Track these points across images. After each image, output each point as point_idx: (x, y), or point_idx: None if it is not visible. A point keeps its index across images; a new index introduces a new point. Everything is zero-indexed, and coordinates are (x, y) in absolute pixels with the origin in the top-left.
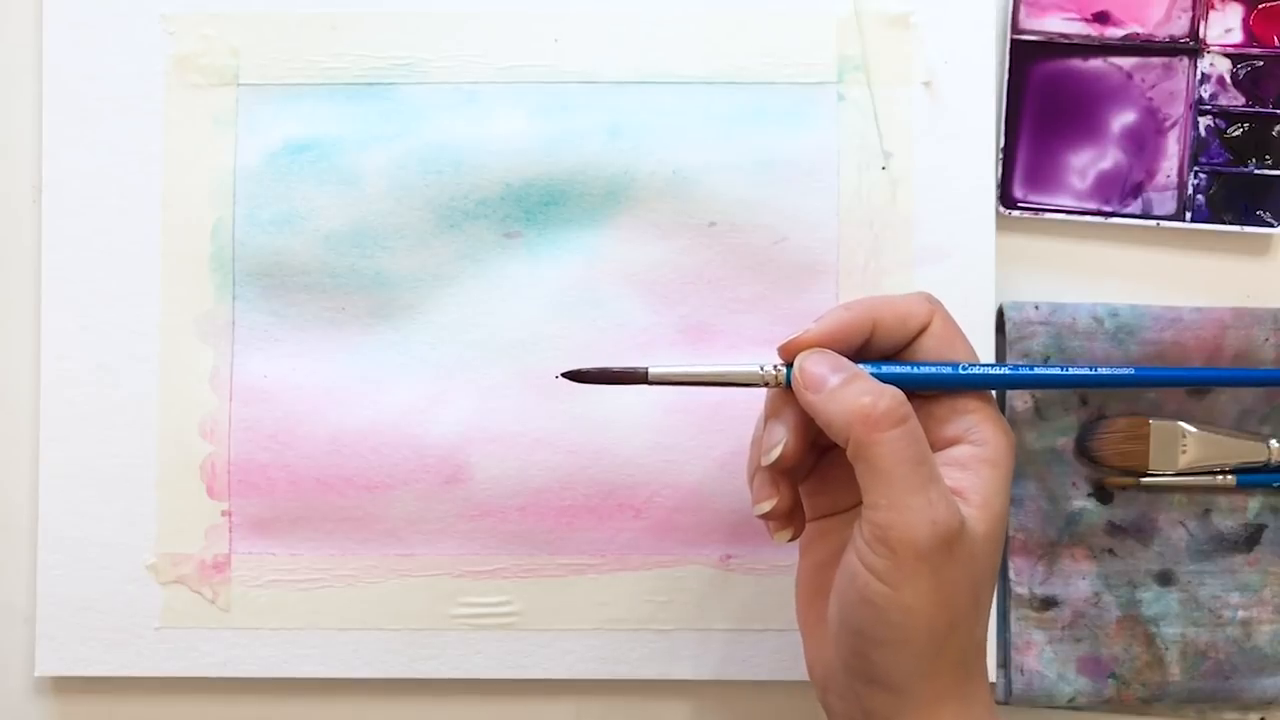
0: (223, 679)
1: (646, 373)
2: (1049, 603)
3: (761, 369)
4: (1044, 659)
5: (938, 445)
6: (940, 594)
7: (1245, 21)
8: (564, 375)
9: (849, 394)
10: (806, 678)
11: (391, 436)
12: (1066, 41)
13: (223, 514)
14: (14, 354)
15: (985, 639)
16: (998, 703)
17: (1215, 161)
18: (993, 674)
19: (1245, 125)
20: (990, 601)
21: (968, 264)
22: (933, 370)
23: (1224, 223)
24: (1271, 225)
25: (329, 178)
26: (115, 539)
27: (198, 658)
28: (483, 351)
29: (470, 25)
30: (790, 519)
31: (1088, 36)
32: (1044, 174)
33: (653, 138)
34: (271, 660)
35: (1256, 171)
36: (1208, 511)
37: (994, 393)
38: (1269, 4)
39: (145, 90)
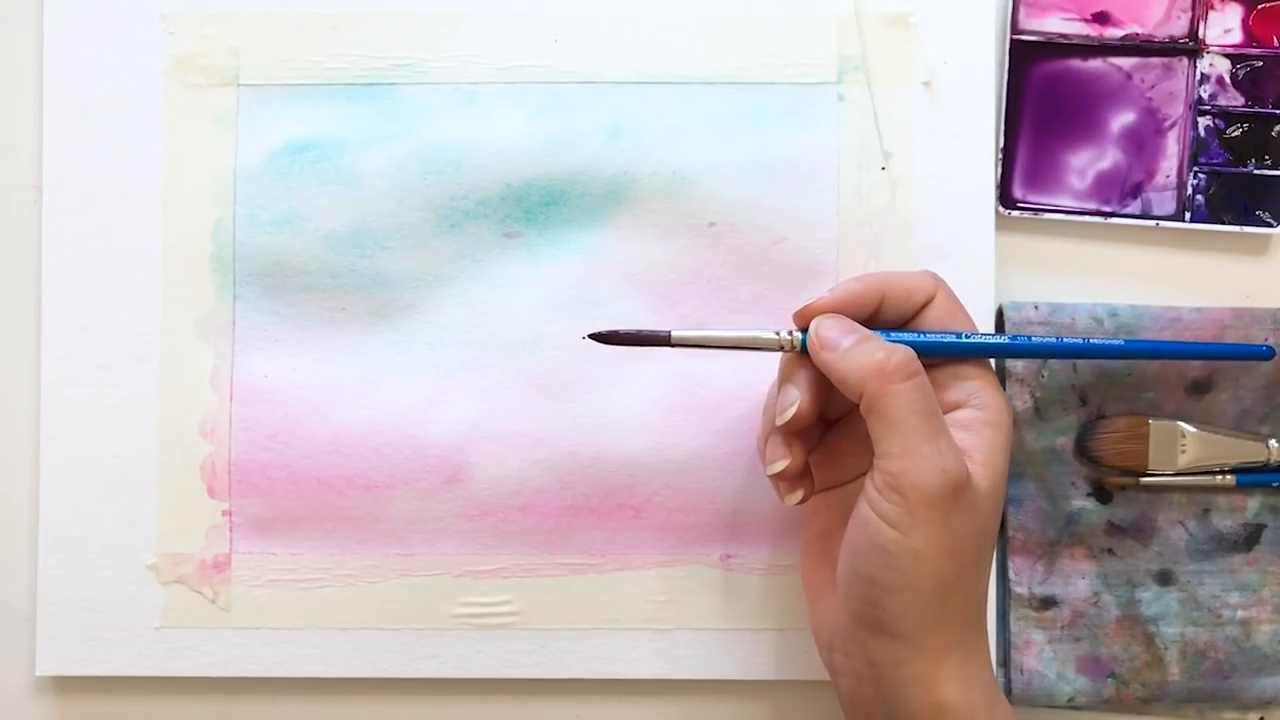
0: (223, 679)
1: (669, 336)
2: (1048, 602)
3: (778, 334)
4: (1044, 659)
5: (946, 409)
6: (948, 541)
7: (1245, 21)
8: (590, 336)
9: (863, 351)
10: (807, 677)
11: (391, 436)
12: (1066, 42)
13: (223, 514)
14: (14, 354)
15: (985, 595)
16: None
17: (1215, 162)
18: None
19: (1245, 125)
20: (991, 559)
21: (967, 264)
22: (938, 337)
23: (1223, 223)
24: (1271, 225)
25: (329, 178)
26: (115, 539)
27: (198, 658)
28: (483, 351)
29: (470, 25)
30: (801, 480)
31: (1087, 37)
32: (1044, 174)
33: (653, 138)
34: (271, 660)
35: (1256, 171)
36: (1207, 511)
37: (993, 364)
38: (1269, 4)
39: (145, 90)
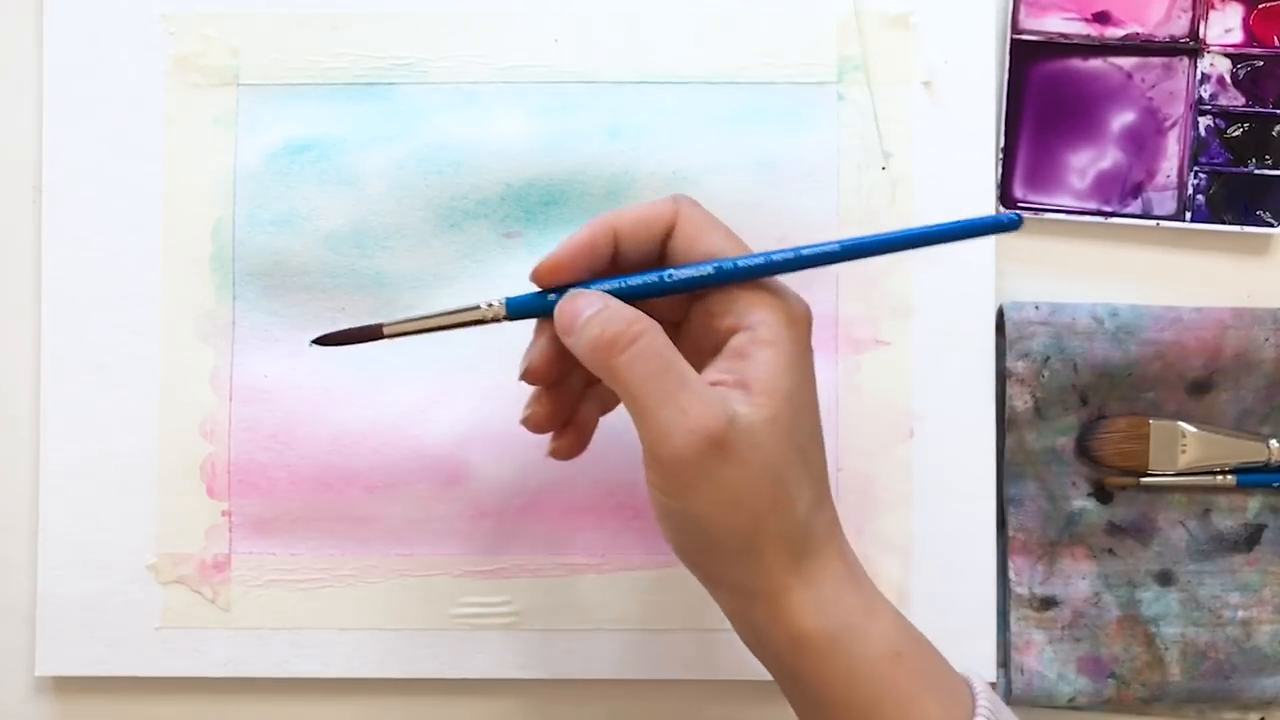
0: (223, 679)
1: (381, 328)
2: (1049, 603)
3: (480, 306)
4: (1044, 659)
5: (720, 338)
6: (725, 494)
7: (1245, 21)
8: (314, 342)
9: (586, 331)
10: None
11: (391, 436)
12: (1066, 41)
13: (223, 514)
14: (14, 354)
15: (821, 518)
16: None
17: (1215, 161)
18: (992, 674)
19: (1245, 125)
20: (806, 480)
21: (968, 264)
22: (639, 279)
23: (1224, 223)
24: (1271, 225)
25: (329, 178)
26: (115, 539)
27: (198, 658)
28: (483, 351)
29: (470, 25)
30: (558, 433)
31: (1088, 36)
32: (1044, 174)
33: (653, 138)
34: (271, 660)
35: (1256, 171)
36: (1207, 511)
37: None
38: (1269, 4)
39: (145, 90)
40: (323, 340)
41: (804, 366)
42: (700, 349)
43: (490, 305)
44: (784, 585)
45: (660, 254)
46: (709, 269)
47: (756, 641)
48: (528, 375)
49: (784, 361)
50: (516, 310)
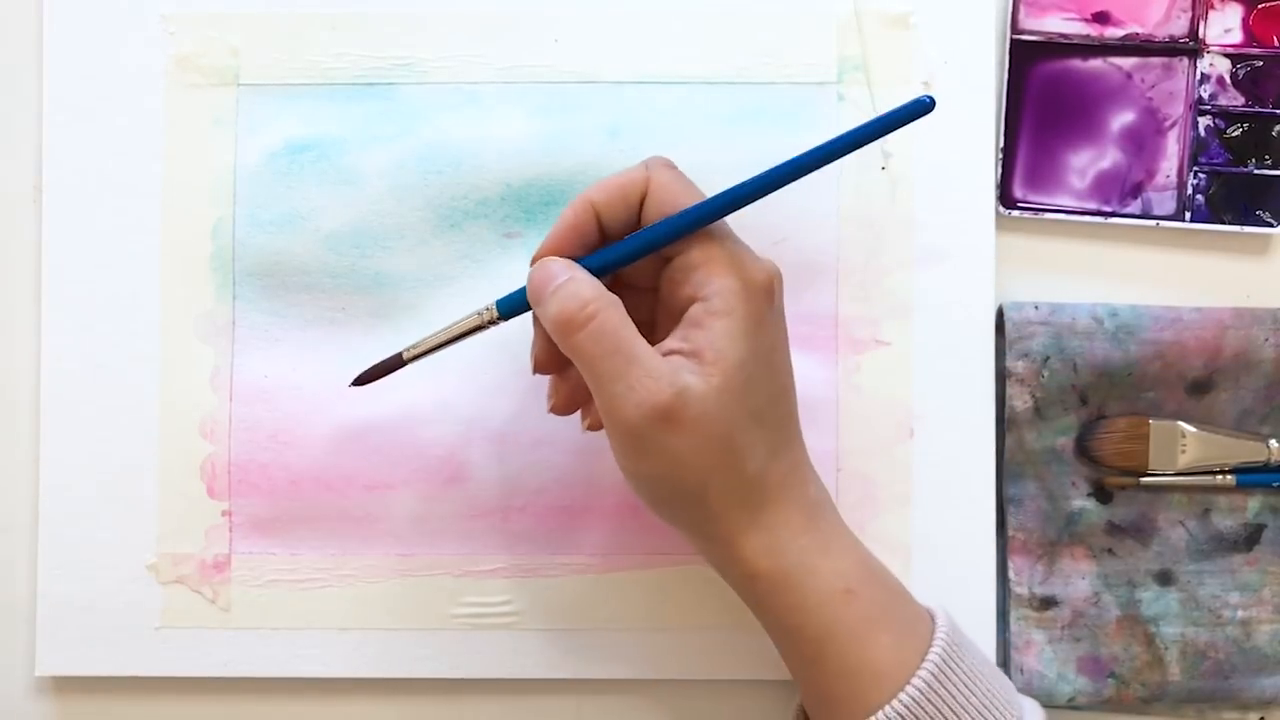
0: (223, 679)
1: (401, 356)
2: (1048, 602)
3: (479, 313)
4: (1044, 659)
5: (681, 306)
6: (674, 459)
7: (1245, 21)
8: (353, 384)
9: (547, 310)
10: None
11: (391, 436)
12: (1066, 42)
13: (223, 514)
14: (14, 354)
15: (776, 468)
16: None
17: (1215, 161)
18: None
19: (1245, 125)
20: (765, 438)
21: (968, 264)
22: (599, 256)
23: (1224, 223)
24: (1271, 225)
25: (329, 178)
26: (115, 539)
27: (198, 658)
28: (483, 351)
29: (470, 25)
30: (572, 408)
31: (1087, 36)
32: (1044, 174)
33: (653, 138)
34: (271, 660)
35: (1256, 171)
36: (1207, 511)
37: (726, 238)
38: (1269, 4)
39: (145, 90)
40: (359, 381)
41: (760, 333)
42: (670, 314)
43: (484, 311)
44: (736, 530)
45: (638, 221)
46: (645, 236)
47: (720, 573)
48: (536, 367)
49: (737, 331)
50: (507, 309)
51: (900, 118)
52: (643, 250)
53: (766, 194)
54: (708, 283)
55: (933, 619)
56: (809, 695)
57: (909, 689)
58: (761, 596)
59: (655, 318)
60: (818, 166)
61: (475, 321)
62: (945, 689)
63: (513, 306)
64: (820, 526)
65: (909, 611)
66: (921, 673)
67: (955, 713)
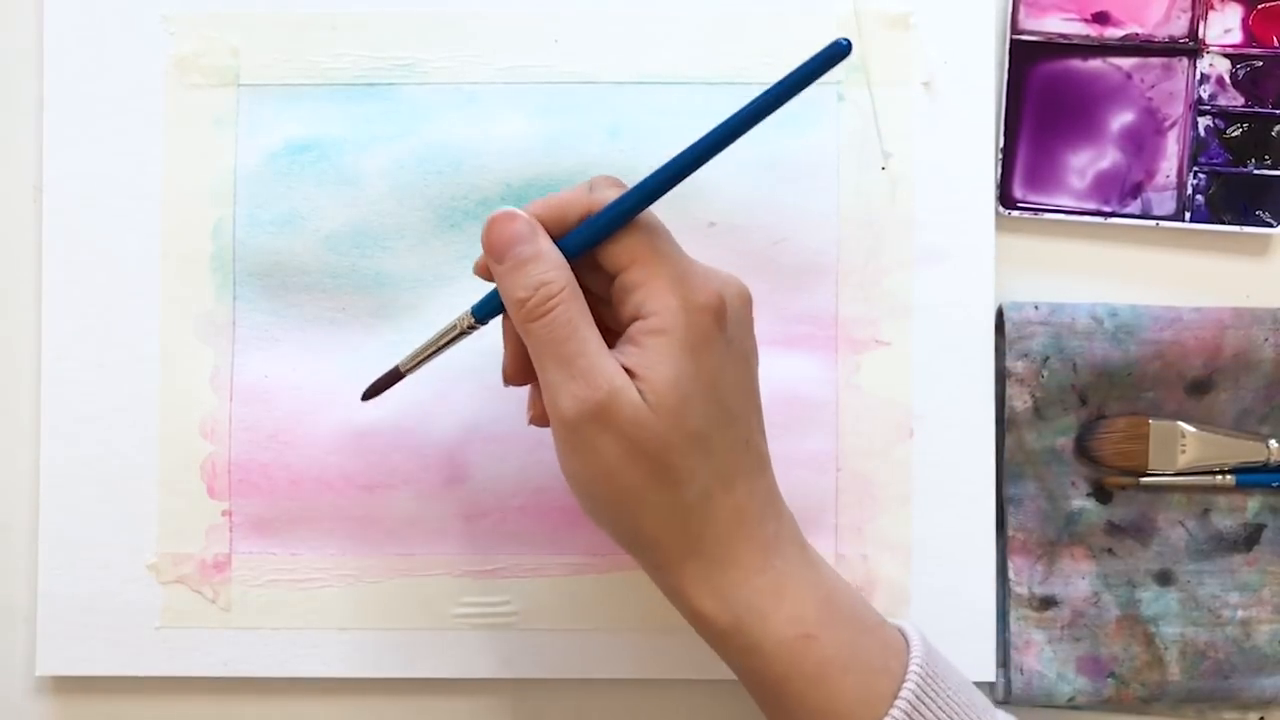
0: (223, 679)
1: (398, 369)
2: (1048, 602)
3: (455, 322)
4: (1043, 658)
5: (624, 324)
6: (602, 463)
7: (1245, 22)
8: (363, 399)
9: (511, 287)
10: None
11: (391, 436)
12: (1066, 42)
13: (223, 514)
14: (14, 354)
15: (725, 503)
16: (997, 702)
17: (1215, 162)
18: (992, 673)
19: (1245, 125)
20: (710, 466)
21: (967, 264)
22: (569, 238)
23: (1223, 223)
24: (1271, 225)
25: (329, 178)
26: (115, 539)
27: (198, 658)
28: (483, 351)
29: (470, 25)
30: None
31: (1087, 37)
32: (1043, 174)
33: (653, 138)
34: (271, 660)
35: (1256, 172)
36: (1207, 511)
37: (671, 256)
38: (1268, 4)
39: (145, 90)
40: (367, 395)
41: (703, 355)
42: (621, 327)
43: (460, 319)
44: (677, 564)
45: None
46: (573, 236)
47: (673, 605)
48: (507, 379)
49: (672, 349)
50: (482, 313)
51: (818, 65)
52: (574, 250)
53: (699, 166)
54: (646, 302)
55: (907, 649)
56: None
57: None
58: (713, 638)
59: (614, 332)
60: (747, 128)
61: (455, 331)
62: None
63: (487, 310)
64: (776, 565)
65: (879, 647)
66: (893, 712)
67: None
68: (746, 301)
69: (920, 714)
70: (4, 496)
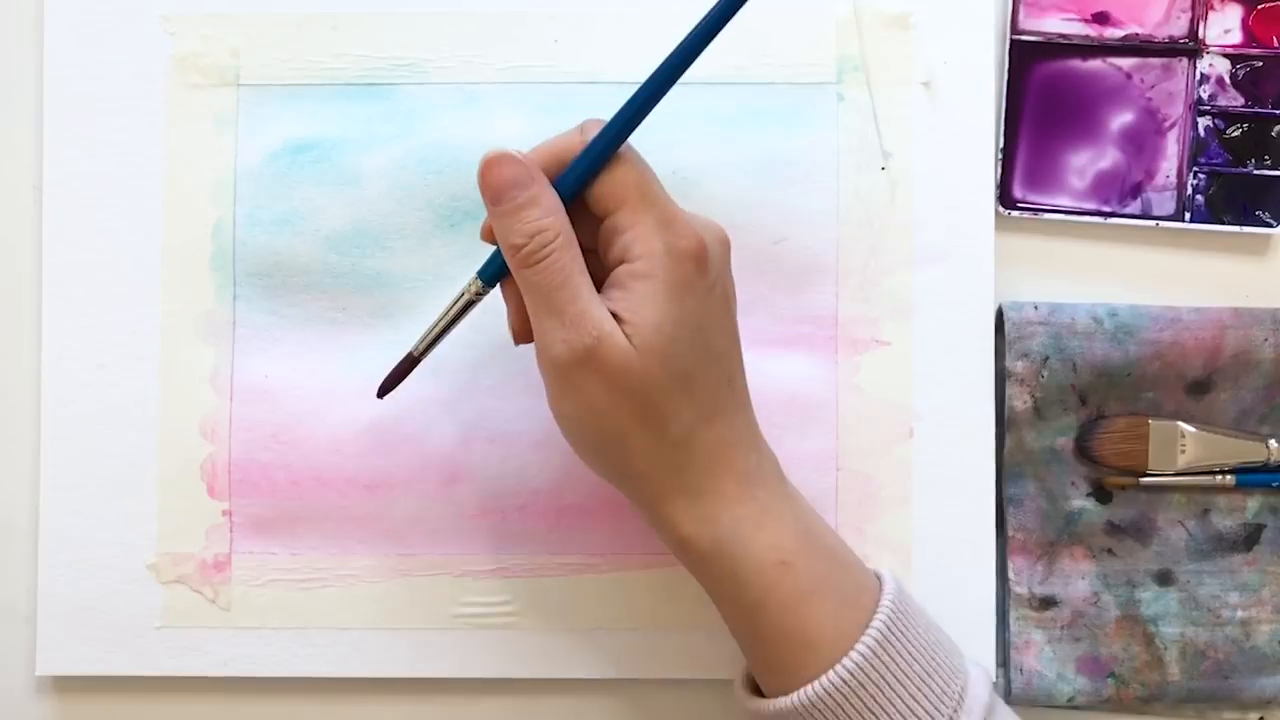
0: (223, 679)
1: (412, 354)
2: (1048, 602)
3: (463, 290)
4: (1043, 658)
5: (610, 266)
6: (591, 404)
7: (1244, 22)
8: (379, 396)
9: (504, 231)
10: None
11: (391, 436)
12: (1066, 42)
13: (223, 514)
14: (14, 354)
15: (708, 436)
16: None
17: (1214, 162)
18: (992, 673)
19: (1244, 126)
20: (693, 404)
21: (967, 264)
22: (561, 179)
23: (1223, 223)
24: (1270, 225)
25: (329, 178)
26: (116, 539)
27: (198, 658)
28: (483, 351)
29: (470, 25)
30: None
31: (1087, 37)
32: (1043, 174)
33: (653, 138)
34: (271, 660)
35: (1256, 172)
36: (1207, 511)
37: (657, 200)
38: (1268, 4)
39: (145, 90)
40: (383, 391)
41: (685, 299)
42: (606, 270)
43: (469, 286)
44: (663, 493)
45: None
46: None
47: (658, 537)
48: (517, 338)
49: (658, 294)
50: (488, 275)
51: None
52: (568, 191)
53: (672, 83)
54: (632, 246)
55: (881, 588)
56: (751, 660)
57: (846, 661)
58: (695, 563)
59: (599, 277)
60: (693, 57)
61: (462, 298)
62: (885, 660)
63: (493, 271)
64: (758, 496)
65: (853, 582)
66: (860, 646)
67: (894, 684)
68: (726, 245)
69: (889, 648)
70: (4, 496)
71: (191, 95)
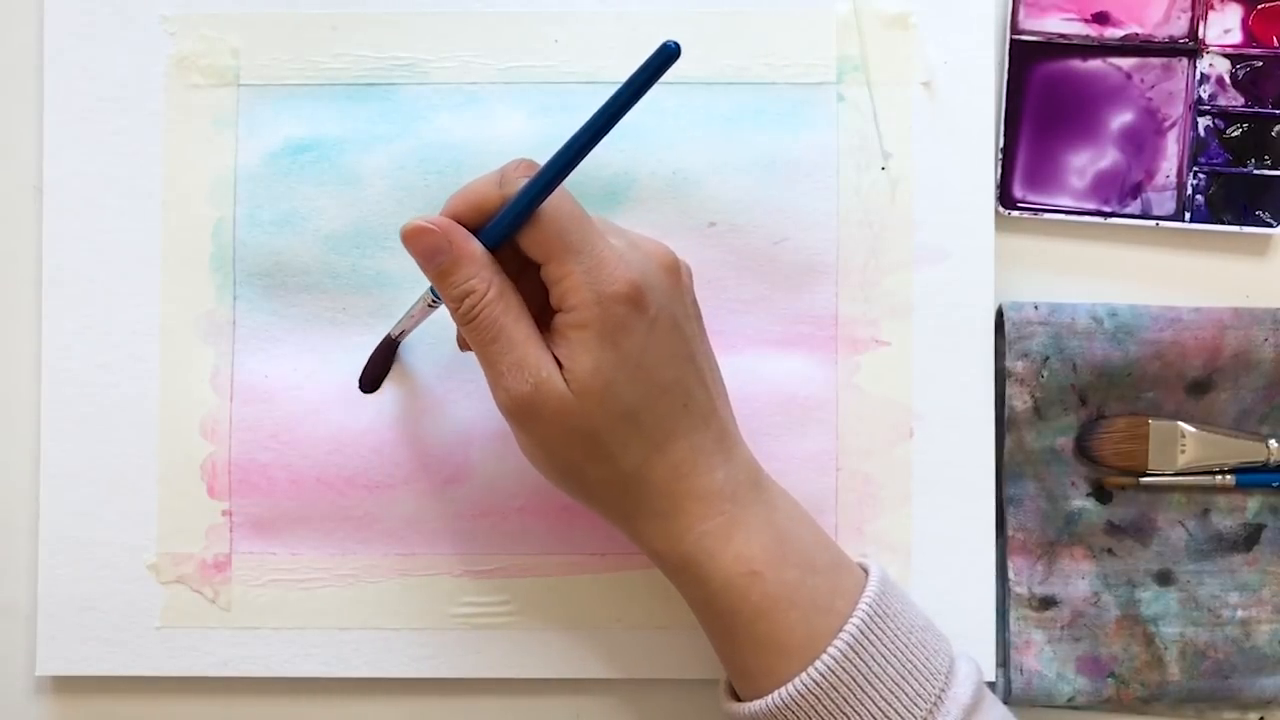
0: (223, 679)
1: (390, 337)
2: (1048, 602)
3: (421, 297)
4: (1043, 658)
5: (554, 311)
6: (541, 444)
7: (1244, 22)
8: (364, 391)
9: (440, 292)
10: None
11: (391, 436)
12: (1066, 42)
13: (223, 514)
14: (14, 354)
15: (661, 465)
16: None
17: (1214, 162)
18: (992, 673)
19: (1244, 125)
20: (640, 438)
21: (967, 264)
22: (486, 230)
23: (1223, 223)
24: (1270, 225)
25: (329, 178)
26: (116, 539)
27: (198, 658)
28: None
29: (470, 25)
30: None
31: (1087, 37)
32: (1043, 174)
33: (653, 138)
34: (271, 660)
35: (1255, 172)
36: (1207, 511)
37: (582, 248)
38: (1268, 4)
39: (145, 90)
40: (368, 386)
41: (622, 341)
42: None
43: (424, 296)
44: (627, 516)
45: None
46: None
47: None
48: (462, 345)
49: (590, 341)
50: (435, 294)
51: (650, 70)
52: (492, 243)
53: (594, 145)
54: (565, 296)
55: (864, 588)
56: (726, 666)
57: (816, 665)
58: (668, 574)
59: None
60: (590, 142)
61: (422, 303)
62: (858, 664)
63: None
64: (725, 510)
65: (828, 588)
66: (830, 650)
67: (866, 687)
68: (672, 270)
69: (861, 652)
70: (4, 496)
71: (191, 95)
